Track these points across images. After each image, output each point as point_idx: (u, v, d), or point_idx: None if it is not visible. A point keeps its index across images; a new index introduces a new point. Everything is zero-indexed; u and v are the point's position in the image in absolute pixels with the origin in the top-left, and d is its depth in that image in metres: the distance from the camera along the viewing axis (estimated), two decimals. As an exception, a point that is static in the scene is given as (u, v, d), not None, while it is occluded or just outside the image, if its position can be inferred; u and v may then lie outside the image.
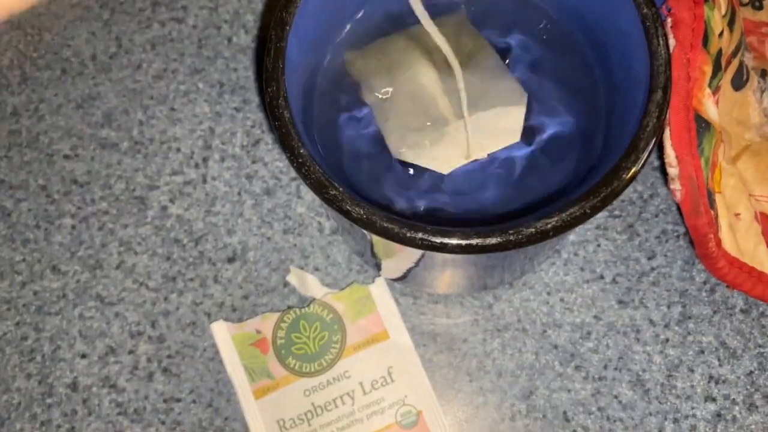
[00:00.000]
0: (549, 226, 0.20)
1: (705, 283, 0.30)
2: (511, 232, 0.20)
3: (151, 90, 0.34)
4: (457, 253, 0.20)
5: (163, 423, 0.30)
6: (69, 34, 0.36)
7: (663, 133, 0.23)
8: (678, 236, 0.31)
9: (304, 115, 0.24)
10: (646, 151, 0.20)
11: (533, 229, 0.20)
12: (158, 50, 0.35)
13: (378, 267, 0.30)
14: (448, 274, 0.27)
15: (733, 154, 0.30)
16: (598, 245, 0.31)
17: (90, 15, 0.36)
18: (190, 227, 0.32)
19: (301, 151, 0.21)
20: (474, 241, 0.20)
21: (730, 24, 0.25)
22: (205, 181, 0.33)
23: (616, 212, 0.32)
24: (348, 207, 0.21)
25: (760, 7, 0.33)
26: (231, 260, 0.32)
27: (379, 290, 0.30)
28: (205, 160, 0.33)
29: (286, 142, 0.21)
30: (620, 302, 0.30)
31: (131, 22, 0.36)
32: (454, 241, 0.20)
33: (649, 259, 0.31)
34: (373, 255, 0.28)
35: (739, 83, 0.29)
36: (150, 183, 0.33)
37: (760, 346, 0.30)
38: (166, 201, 0.33)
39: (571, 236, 0.31)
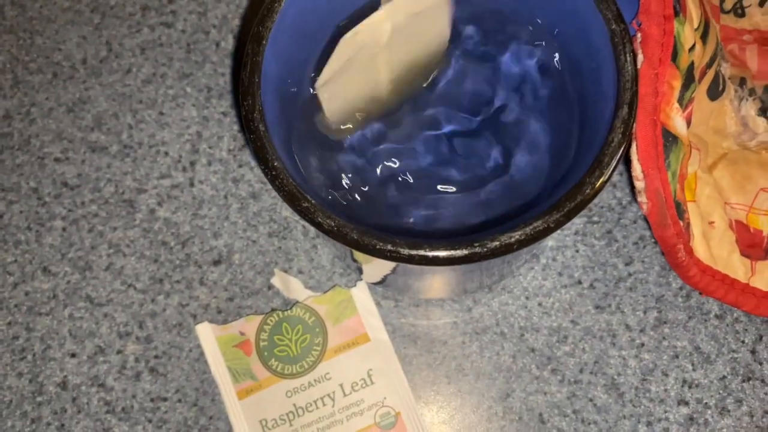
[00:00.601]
0: (513, 239, 0.20)
1: (681, 289, 0.31)
2: (476, 244, 0.21)
3: (140, 94, 0.35)
4: (425, 265, 0.21)
5: (150, 421, 0.31)
6: (60, 38, 0.36)
7: (629, 147, 0.24)
8: (655, 242, 0.31)
9: (283, 125, 0.24)
10: (611, 167, 0.21)
11: (498, 243, 0.20)
12: (147, 55, 0.36)
13: (360, 271, 0.31)
14: (425, 280, 0.27)
15: (709, 162, 0.30)
16: (577, 251, 0.32)
17: (81, 19, 0.36)
18: (178, 230, 0.33)
19: (275, 164, 0.22)
20: (441, 254, 0.21)
21: (704, 37, 0.26)
22: (192, 184, 0.34)
23: (595, 218, 0.32)
24: (320, 219, 0.21)
25: (743, 15, 0.33)
26: (217, 263, 0.32)
27: (361, 293, 0.31)
28: (192, 163, 0.34)
29: (260, 155, 0.22)
30: (597, 307, 0.31)
31: (121, 26, 0.36)
32: (421, 253, 0.21)
33: (627, 264, 0.31)
34: (354, 260, 0.29)
35: (715, 93, 0.29)
36: (138, 186, 0.34)
37: (733, 351, 0.30)
38: (154, 204, 0.33)
39: (550, 242, 0.32)
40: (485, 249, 0.20)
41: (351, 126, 0.26)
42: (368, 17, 0.23)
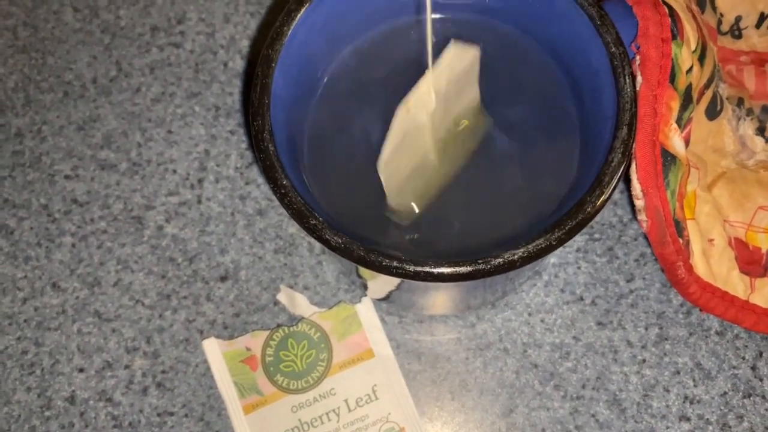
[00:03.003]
0: (516, 256, 0.21)
1: (682, 305, 0.31)
2: (480, 261, 0.21)
3: (149, 113, 0.36)
4: (430, 281, 0.21)
5: (156, 436, 0.31)
6: (71, 57, 0.37)
7: (629, 167, 0.24)
8: (655, 260, 0.32)
9: (291, 144, 0.25)
10: (611, 186, 0.22)
11: (501, 260, 0.21)
12: (157, 74, 0.36)
13: (364, 287, 0.31)
14: (429, 297, 0.28)
15: (708, 180, 0.31)
16: (579, 267, 0.32)
17: (92, 39, 0.37)
18: (185, 246, 0.33)
19: (284, 182, 0.22)
20: (445, 270, 0.21)
21: (701, 59, 0.26)
22: (200, 201, 0.34)
23: (596, 235, 0.33)
24: (327, 236, 0.22)
25: (740, 36, 0.34)
26: (223, 279, 0.33)
27: (366, 309, 0.31)
28: (200, 181, 0.34)
29: (269, 174, 0.22)
30: (599, 323, 0.31)
31: (131, 46, 0.37)
32: (426, 270, 0.21)
33: (628, 281, 0.32)
34: (359, 276, 0.29)
35: (713, 113, 0.29)
36: (147, 203, 0.34)
37: (734, 368, 0.31)
38: (162, 221, 0.34)
39: (552, 259, 0.32)
40: (489, 266, 0.21)
41: (412, 206, 0.24)
42: (415, 86, 0.21)
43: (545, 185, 0.25)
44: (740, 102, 0.32)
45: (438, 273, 0.21)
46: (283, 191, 0.22)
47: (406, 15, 0.27)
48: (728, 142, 0.31)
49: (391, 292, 0.28)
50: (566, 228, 0.21)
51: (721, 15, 0.33)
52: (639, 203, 0.24)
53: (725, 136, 0.31)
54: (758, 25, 0.33)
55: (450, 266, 0.21)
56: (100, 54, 0.37)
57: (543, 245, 0.21)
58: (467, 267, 0.21)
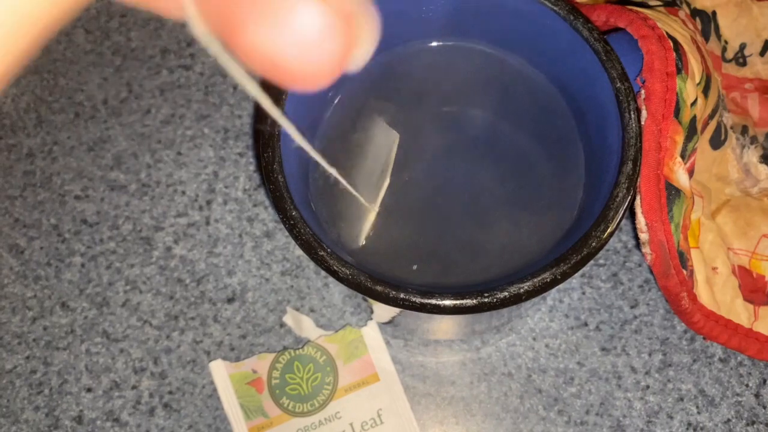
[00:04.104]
0: (522, 290, 0.21)
1: (685, 332, 0.32)
2: (486, 295, 0.21)
3: (159, 134, 0.36)
4: (435, 313, 0.22)
5: (163, 457, 0.31)
6: (83, 79, 0.37)
7: (633, 201, 0.24)
8: (660, 285, 0.32)
9: (301, 175, 0.25)
10: (616, 221, 0.22)
11: (507, 293, 0.21)
12: (167, 96, 0.37)
13: (371, 310, 0.32)
14: (433, 323, 0.28)
15: (713, 208, 0.31)
16: (583, 293, 0.32)
17: (103, 61, 0.38)
18: (193, 267, 0.34)
19: (293, 213, 0.23)
20: (450, 303, 0.21)
21: (705, 91, 0.27)
22: (208, 223, 0.35)
23: (601, 261, 0.33)
24: (335, 267, 0.22)
25: (744, 64, 0.34)
26: (231, 300, 0.33)
27: (372, 333, 0.32)
28: (208, 202, 0.35)
29: (279, 205, 0.23)
30: (603, 349, 0.32)
31: (141, 68, 0.37)
32: (432, 302, 0.22)
33: (632, 307, 0.32)
34: (365, 299, 0.30)
35: (717, 143, 0.30)
36: (156, 224, 0.35)
37: (737, 395, 0.31)
38: (171, 242, 0.34)
39: (557, 284, 0.33)
40: (494, 299, 0.21)
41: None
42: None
43: (550, 217, 0.25)
44: (744, 130, 0.32)
45: (443, 306, 0.21)
46: (292, 222, 0.22)
47: (418, 39, 0.28)
48: (732, 170, 0.31)
49: (394, 317, 0.28)
50: (571, 262, 0.21)
51: (726, 42, 0.33)
52: (643, 236, 0.24)
53: (729, 164, 0.31)
54: (762, 53, 0.34)
55: (455, 299, 0.21)
56: (111, 75, 0.37)
57: (548, 279, 0.21)
58: (472, 300, 0.21)
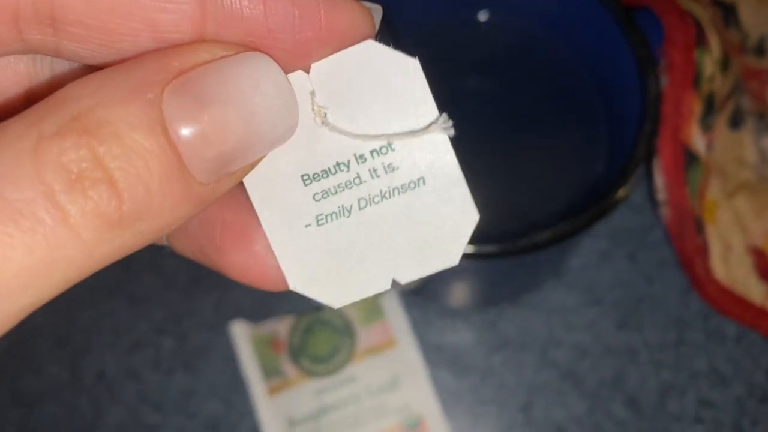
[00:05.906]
0: (544, 238, 0.22)
1: (700, 311, 0.32)
2: (508, 242, 0.22)
3: None
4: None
5: (182, 413, 0.32)
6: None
7: (651, 160, 0.25)
8: (676, 265, 0.33)
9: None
10: (633, 177, 0.23)
11: (529, 240, 0.22)
12: None
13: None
14: (457, 284, 0.29)
15: (729, 190, 0.31)
16: (600, 270, 0.33)
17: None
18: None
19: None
20: (475, 249, 0.22)
21: (724, 69, 0.28)
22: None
23: (618, 240, 0.33)
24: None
25: (763, 54, 0.35)
26: (253, 266, 0.34)
27: (390, 300, 0.32)
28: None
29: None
30: (618, 325, 0.32)
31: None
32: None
33: (648, 285, 0.33)
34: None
35: (735, 124, 0.30)
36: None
37: (749, 373, 0.31)
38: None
39: (573, 260, 0.33)
40: (516, 247, 0.22)
41: None
42: None
43: (573, 178, 0.26)
44: (761, 116, 0.33)
45: (468, 253, 0.22)
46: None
47: (447, 14, 0.29)
48: (749, 154, 0.32)
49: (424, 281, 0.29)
50: (590, 215, 0.22)
51: (746, 33, 0.34)
52: (661, 196, 0.25)
53: (746, 148, 0.32)
54: (781, 45, 0.34)
55: (478, 245, 0.22)
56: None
57: (568, 228, 0.22)
58: (495, 247, 0.22)
